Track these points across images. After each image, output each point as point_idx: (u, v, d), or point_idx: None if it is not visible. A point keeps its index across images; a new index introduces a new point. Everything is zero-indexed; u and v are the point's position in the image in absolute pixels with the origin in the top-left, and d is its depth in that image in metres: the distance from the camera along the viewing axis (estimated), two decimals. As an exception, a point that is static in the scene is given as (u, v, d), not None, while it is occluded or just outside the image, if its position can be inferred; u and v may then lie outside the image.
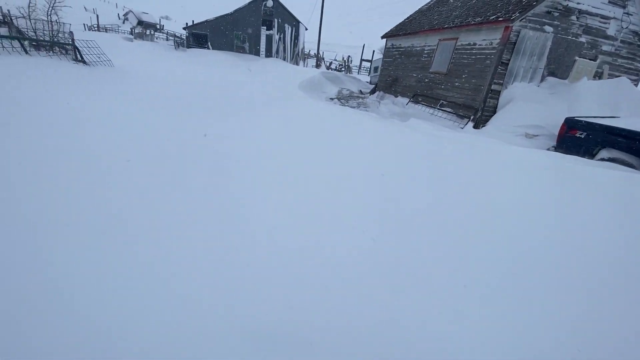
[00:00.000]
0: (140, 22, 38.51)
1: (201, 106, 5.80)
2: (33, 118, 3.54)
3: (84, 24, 31.44)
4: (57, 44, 6.40)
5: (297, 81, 13.84)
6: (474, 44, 8.95)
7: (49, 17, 6.86)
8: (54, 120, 3.61)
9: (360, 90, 16.75)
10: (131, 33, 29.72)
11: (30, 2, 6.93)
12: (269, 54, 27.32)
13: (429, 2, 14.35)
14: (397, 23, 14.74)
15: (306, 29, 28.38)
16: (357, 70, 36.06)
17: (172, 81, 8.18)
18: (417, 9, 14.64)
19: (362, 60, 36.28)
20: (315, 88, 14.32)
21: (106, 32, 29.83)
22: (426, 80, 11.40)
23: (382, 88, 15.05)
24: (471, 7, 10.23)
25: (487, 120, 8.43)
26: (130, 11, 41.98)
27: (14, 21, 6.73)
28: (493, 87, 8.32)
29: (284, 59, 27.44)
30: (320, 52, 29.83)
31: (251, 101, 7.23)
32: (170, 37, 34.13)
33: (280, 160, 3.55)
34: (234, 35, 27.33)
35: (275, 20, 26.63)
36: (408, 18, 14.33)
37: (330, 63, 34.15)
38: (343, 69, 33.11)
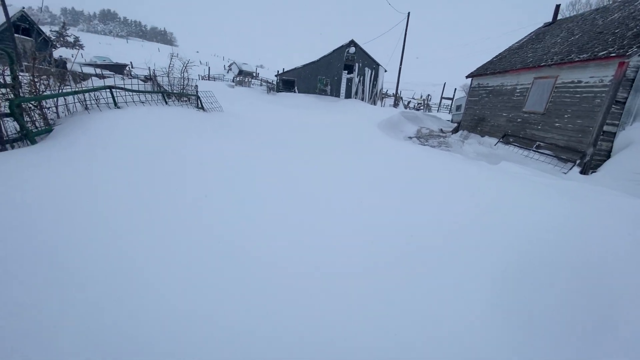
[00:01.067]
0: (240, 72, 45.02)
1: (292, 144, 6.43)
2: (179, 147, 4.45)
3: (198, 75, 38.05)
4: (186, 95, 7.89)
5: (375, 121, 14.26)
6: (579, 82, 8.11)
7: (182, 74, 8.60)
8: (191, 148, 4.46)
9: (441, 129, 16.31)
10: (233, 81, 34.88)
11: (170, 64, 8.75)
12: (348, 95, 28.87)
13: (521, 40, 13.67)
14: (485, 62, 14.27)
15: (385, 71, 29.38)
16: (436, 108, 35.31)
17: (266, 121, 9.30)
18: (506, 48, 14.03)
19: (442, 98, 35.54)
20: (393, 127, 14.50)
21: (214, 80, 35.60)
22: (519, 120, 10.59)
23: (466, 127, 14.42)
24: (573, 43, 9.41)
25: (598, 166, 7.33)
26: (234, 62, 49.57)
27: (157, 79, 8.55)
28: (606, 128, 7.30)
29: (363, 100, 28.62)
30: (399, 91, 30.27)
31: (335, 139, 7.70)
32: (263, 83, 39.02)
33: (365, 202, 3.70)
34: (317, 79, 29.79)
35: (356, 64, 28.30)
36: (497, 57, 13.79)
37: (409, 102, 34.27)
38: (422, 108, 32.79)
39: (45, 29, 25.83)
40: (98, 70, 15.28)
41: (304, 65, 29.94)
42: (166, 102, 6.79)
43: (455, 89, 34.76)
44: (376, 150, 6.84)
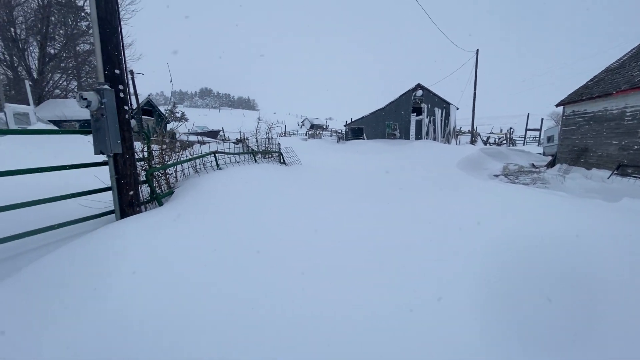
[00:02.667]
0: (312, 125, 48.65)
1: (368, 190, 6.47)
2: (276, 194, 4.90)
3: (276, 133, 42.25)
4: (270, 152, 8.76)
5: (453, 160, 13.56)
6: None
7: (267, 134, 9.67)
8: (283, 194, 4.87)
9: (533, 164, 14.60)
10: (306, 134, 37.69)
11: (257, 127, 9.93)
12: (418, 136, 28.43)
13: (620, 59, 12.04)
14: (577, 88, 12.80)
15: (457, 109, 28.44)
16: (522, 142, 32.10)
17: (338, 168, 9.62)
18: (603, 69, 12.45)
19: (527, 130, 32.35)
20: (475, 165, 13.54)
21: (290, 136, 39.06)
22: (635, 147, 8.93)
23: (564, 160, 12.68)
24: (699, 52, 7.92)
25: None
26: (306, 118, 54.10)
27: (246, 140, 9.72)
28: None
29: (434, 139, 27.79)
30: (474, 128, 28.66)
31: (410, 182, 7.51)
32: (333, 134, 41.29)
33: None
34: (385, 124, 30.27)
35: (425, 105, 28.12)
36: (592, 80, 12.29)
37: (488, 137, 32.00)
38: (504, 142, 30.20)
39: (161, 108, 32.51)
40: (200, 138, 18.38)
41: (371, 113, 30.96)
42: (255, 160, 7.69)
43: (543, 118, 31.45)
44: (459, 191, 6.43)
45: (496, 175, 11.86)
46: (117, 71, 3.63)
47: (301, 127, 53.58)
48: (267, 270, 2.90)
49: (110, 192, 4.00)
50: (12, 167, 3.34)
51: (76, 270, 2.26)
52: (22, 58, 21.94)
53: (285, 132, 43.27)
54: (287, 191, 5.39)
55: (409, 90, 28.57)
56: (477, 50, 25.94)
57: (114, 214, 3.99)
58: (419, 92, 28.27)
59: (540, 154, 19.27)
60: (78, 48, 24.34)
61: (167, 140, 6.17)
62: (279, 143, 9.72)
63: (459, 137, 31.15)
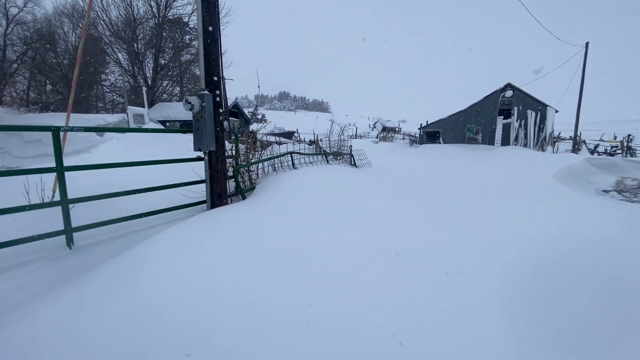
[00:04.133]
0: (384, 128, 47.71)
1: (437, 196, 6.04)
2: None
3: (347, 135, 42.55)
4: (342, 154, 8.87)
5: (549, 170, 11.85)
6: None
7: (339, 136, 9.83)
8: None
9: (659, 180, 11.87)
10: (377, 137, 37.14)
11: (330, 129, 10.15)
12: (505, 142, 25.56)
13: None
14: None
15: (556, 111, 24.73)
16: (643, 152, 26.44)
17: (410, 174, 9.22)
18: None
19: (653, 137, 26.48)
20: (577, 178, 11.60)
21: (360, 138, 38.93)
22: None
23: None
24: None
25: None
26: (378, 120, 53.31)
27: (319, 142, 10.00)
28: None
29: (525, 146, 24.65)
30: (578, 133, 24.56)
31: (497, 194, 6.77)
32: (406, 137, 39.81)
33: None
34: (466, 128, 28.01)
35: (515, 108, 25.16)
36: None
37: (596, 145, 27.17)
38: (619, 152, 25.29)
39: (245, 111, 35.71)
40: (277, 138, 19.65)
41: (450, 116, 28.97)
42: (327, 161, 7.90)
43: (677, 123, 25.35)
44: (555, 206, 5.57)
45: (606, 191, 9.97)
46: (215, 78, 4.11)
47: (372, 130, 52.95)
48: (330, 262, 2.95)
49: (203, 184, 4.56)
50: (132, 160, 4.06)
51: (184, 244, 2.64)
52: (140, 68, 26.38)
53: (356, 134, 43.29)
54: (356, 193, 5.38)
55: (496, 91, 25.88)
56: (587, 44, 22.21)
57: (205, 204, 4.53)
58: (509, 93, 25.39)
59: (671, 167, 15.50)
60: (182, 58, 28.22)
61: (250, 141, 6.76)
62: (351, 145, 9.79)
63: (556, 144, 27.10)
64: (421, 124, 33.28)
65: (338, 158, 9.24)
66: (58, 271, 2.67)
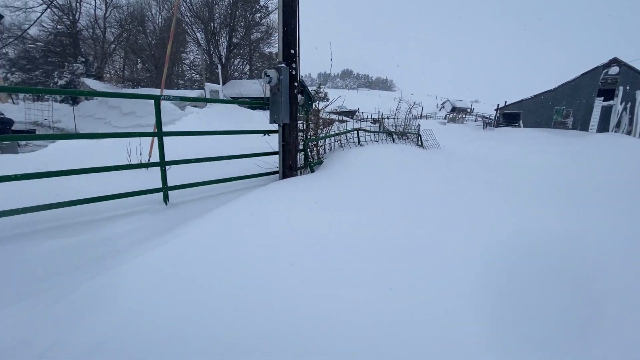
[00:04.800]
0: (453, 108, 44.21)
1: (512, 188, 5.42)
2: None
3: (413, 115, 40.59)
4: (408, 134, 8.51)
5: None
6: None
7: (407, 115, 9.39)
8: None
9: None
10: (445, 118, 34.65)
11: (397, 107, 9.71)
12: (602, 128, 21.82)
13: None
14: None
15: (681, 92, 20.13)
16: None
17: (481, 159, 8.43)
18: None
19: None
20: None
21: (426, 119, 36.75)
22: None
23: None
24: None
25: None
26: (447, 100, 49.47)
27: (383, 121, 9.68)
28: None
29: (629, 134, 20.75)
30: None
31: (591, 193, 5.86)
32: (478, 119, 36.38)
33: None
34: (553, 110, 24.55)
35: (620, 87, 21.13)
36: None
37: None
38: None
39: (309, 89, 36.15)
40: (338, 116, 19.58)
41: (534, 96, 25.60)
42: (393, 140, 7.66)
43: None
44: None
45: None
46: (292, 51, 4.19)
47: (440, 110, 49.39)
48: (394, 237, 2.91)
49: (275, 156, 4.81)
50: (211, 129, 4.43)
51: (259, 207, 2.88)
52: (216, 47, 28.12)
53: (421, 114, 40.92)
54: (424, 174, 5.14)
55: (597, 67, 21.95)
56: None
57: (277, 175, 4.79)
58: (614, 69, 21.33)
59: None
60: (252, 37, 29.29)
61: (312, 118, 6.85)
62: (419, 124, 9.31)
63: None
64: (498, 105, 30.07)
65: (403, 137, 8.89)
66: (159, 221, 3.13)
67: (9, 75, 25.59)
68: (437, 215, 3.31)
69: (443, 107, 51.02)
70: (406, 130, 9.17)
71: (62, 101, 21.65)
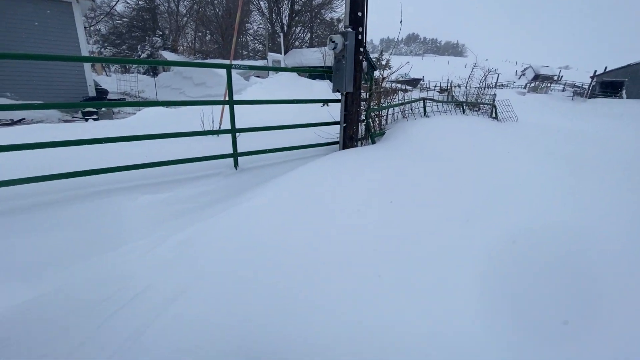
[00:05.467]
0: (536, 76, 38.60)
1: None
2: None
3: (487, 84, 36.53)
4: (480, 104, 7.74)
5: None
6: None
7: (481, 83, 8.49)
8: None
9: None
10: (525, 87, 30.56)
11: (470, 74, 8.85)
12: None
13: None
14: None
15: None
16: None
17: (572, 137, 7.28)
18: None
19: None
20: None
21: (502, 88, 32.81)
22: None
23: None
24: None
25: None
26: (530, 66, 43.21)
27: (453, 89, 8.90)
28: None
29: None
30: None
31: None
32: (567, 88, 31.30)
33: None
34: (674, 77, 20.00)
35: None
36: None
37: None
38: None
39: (371, 56, 34.51)
40: (400, 86, 18.48)
41: (649, 60, 20.97)
42: (463, 112, 7.03)
43: None
44: None
45: None
46: (359, 14, 3.98)
47: (519, 78, 43.43)
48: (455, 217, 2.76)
49: (336, 126, 4.78)
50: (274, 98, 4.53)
51: (328, 172, 2.97)
52: (278, 14, 28.08)
53: (496, 83, 36.59)
54: (504, 149, 4.66)
55: None
56: None
57: (337, 145, 4.79)
58: None
59: None
60: (314, 2, 28.49)
61: (379, 86, 6.54)
62: (495, 94, 8.37)
63: None
64: (595, 71, 25.46)
65: (475, 109, 8.09)
66: (232, 183, 3.41)
67: (102, 49, 28.98)
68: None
69: (523, 74, 44.71)
70: (479, 101, 8.31)
71: (144, 73, 24.03)
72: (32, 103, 2.97)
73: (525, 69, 45.93)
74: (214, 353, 1.62)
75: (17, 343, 1.60)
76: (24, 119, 8.75)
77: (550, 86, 30.35)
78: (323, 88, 13.57)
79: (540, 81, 33.31)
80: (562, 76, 38.91)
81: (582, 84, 30.80)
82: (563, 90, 30.09)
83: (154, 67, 23.51)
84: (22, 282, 1.76)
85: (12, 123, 8.11)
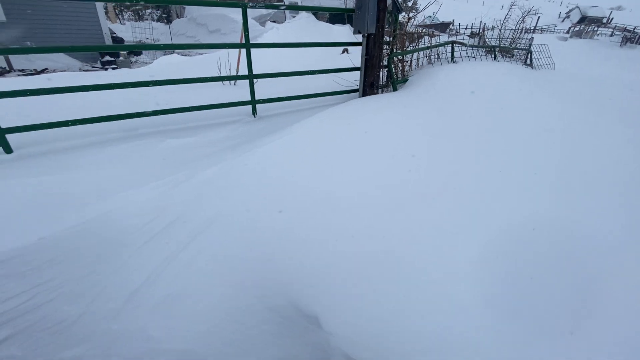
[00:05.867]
0: (583, 18, 34.49)
1: None
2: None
3: (525, 26, 33.06)
4: (513, 49, 7.12)
5: None
6: None
7: (518, 25, 7.72)
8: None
9: None
10: (567, 32, 27.50)
11: (507, 15, 8.03)
12: None
13: None
14: None
15: None
16: None
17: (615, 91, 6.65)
18: None
19: None
20: None
21: (541, 33, 29.65)
22: None
23: None
24: None
25: None
26: (577, 7, 38.40)
27: (486, 33, 8.16)
28: None
29: None
30: None
31: None
32: (616, 33, 27.86)
33: None
34: None
35: None
36: None
37: None
38: None
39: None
40: (428, 30, 17.06)
41: None
42: (495, 58, 6.51)
43: None
44: None
45: None
46: (386, -58, 3.59)
47: (563, 21, 38.90)
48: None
49: (355, 72, 4.59)
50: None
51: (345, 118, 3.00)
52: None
53: (535, 26, 33.03)
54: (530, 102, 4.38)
55: None
56: None
57: (356, 93, 4.65)
58: None
59: None
60: None
61: (405, 29, 6.08)
62: (532, 37, 7.64)
63: None
64: (654, 11, 22.33)
65: (508, 55, 7.46)
66: (252, 130, 3.46)
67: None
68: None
69: (568, 16, 39.86)
70: (513, 46, 7.62)
71: (157, 19, 23.24)
72: (65, 46, 3.08)
73: (570, 10, 40.76)
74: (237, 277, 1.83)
75: (65, 262, 1.83)
76: (47, 69, 8.89)
77: (597, 30, 27.11)
78: (343, 33, 12.78)
79: (587, 24, 29.71)
80: (612, 18, 34.47)
81: (634, 28, 27.41)
82: (611, 35, 26.90)
83: (167, 13, 22.63)
84: (71, 210, 1.96)
85: (36, 73, 8.28)
